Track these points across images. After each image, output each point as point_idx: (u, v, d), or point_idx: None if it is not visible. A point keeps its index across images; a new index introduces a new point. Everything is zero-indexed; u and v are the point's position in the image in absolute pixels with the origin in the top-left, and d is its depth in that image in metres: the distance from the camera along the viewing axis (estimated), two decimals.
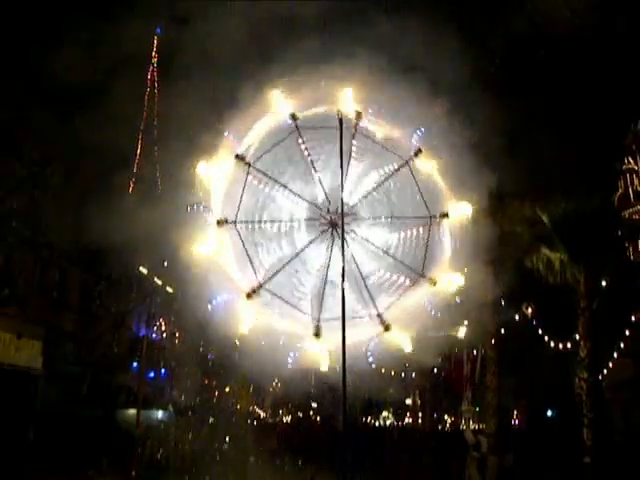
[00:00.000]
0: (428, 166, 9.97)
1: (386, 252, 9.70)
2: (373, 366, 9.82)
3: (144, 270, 22.78)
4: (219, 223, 9.26)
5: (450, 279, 9.64)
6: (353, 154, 9.75)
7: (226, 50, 13.40)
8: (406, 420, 38.66)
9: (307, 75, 9.55)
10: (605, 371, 19.70)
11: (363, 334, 9.22)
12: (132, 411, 24.02)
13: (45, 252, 21.71)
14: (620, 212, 19.98)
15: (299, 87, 9.70)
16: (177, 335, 30.12)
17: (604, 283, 18.92)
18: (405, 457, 24.53)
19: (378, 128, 10.05)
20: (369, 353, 9.48)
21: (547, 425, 24.75)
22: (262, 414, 37.19)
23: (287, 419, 39.73)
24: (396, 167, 9.82)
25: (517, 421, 27.82)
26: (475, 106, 12.74)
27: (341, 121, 9.37)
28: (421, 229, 9.79)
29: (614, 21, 16.55)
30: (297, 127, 9.59)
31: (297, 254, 9.52)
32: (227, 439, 22.62)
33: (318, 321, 9.19)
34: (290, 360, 9.38)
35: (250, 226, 9.42)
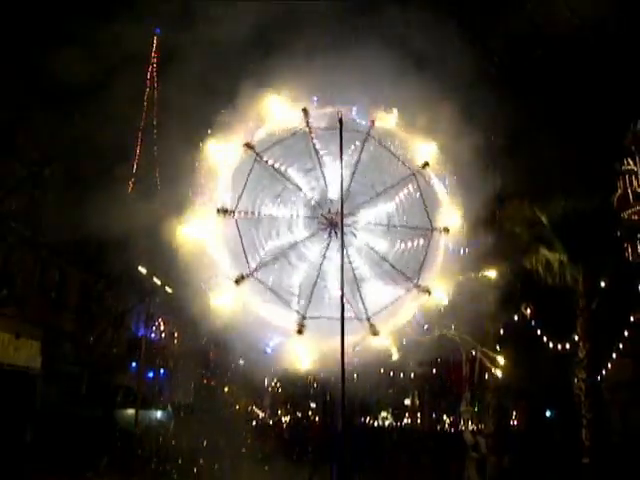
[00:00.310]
0: (434, 178, 10.05)
1: (383, 258, 9.72)
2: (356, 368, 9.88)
3: (143, 270, 22.81)
4: (219, 211, 9.27)
5: (443, 291, 9.72)
6: (362, 159, 9.80)
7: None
8: (405, 420, 38.66)
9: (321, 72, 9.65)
10: (604, 372, 19.70)
11: (350, 336, 9.21)
12: (131, 411, 24.02)
13: (44, 252, 21.71)
14: (619, 213, 19.99)
15: (314, 85, 9.79)
16: (176, 335, 30.16)
17: (603, 284, 18.91)
18: (404, 457, 24.52)
19: (391, 135, 10.12)
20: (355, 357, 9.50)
21: (546, 426, 24.75)
22: (261, 414, 37.19)
23: (286, 419, 39.71)
24: (403, 177, 9.88)
25: (516, 422, 27.81)
26: (476, 107, 12.77)
27: (341, 121, 9.40)
28: (421, 240, 9.84)
29: (614, 21, 16.55)
30: (308, 124, 9.60)
31: (292, 247, 9.53)
32: (226, 439, 22.58)
33: (303, 318, 9.19)
34: (269, 350, 9.37)
35: (249, 216, 9.42)
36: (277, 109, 9.87)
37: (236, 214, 9.28)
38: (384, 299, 9.66)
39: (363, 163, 9.88)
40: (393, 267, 9.62)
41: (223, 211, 9.26)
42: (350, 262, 9.39)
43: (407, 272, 9.67)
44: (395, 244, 9.87)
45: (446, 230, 9.86)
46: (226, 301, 9.12)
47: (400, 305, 9.69)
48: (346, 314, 9.19)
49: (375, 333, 9.25)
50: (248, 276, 9.19)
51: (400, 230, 9.81)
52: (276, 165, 9.63)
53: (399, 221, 9.87)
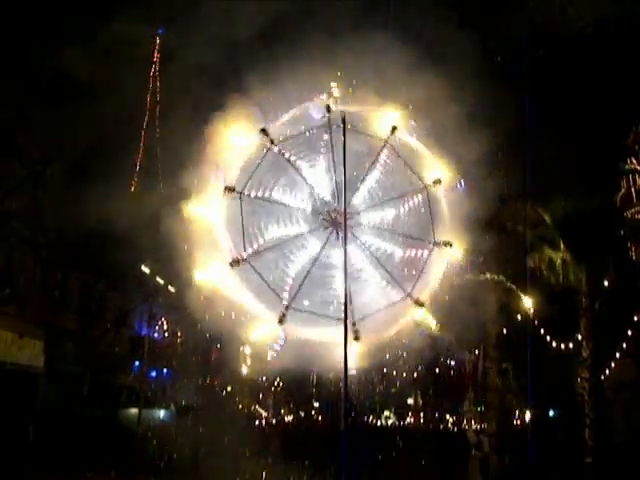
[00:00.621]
0: (443, 194, 10.07)
1: (381, 264, 9.70)
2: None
3: (146, 269, 22.80)
4: (226, 189, 9.29)
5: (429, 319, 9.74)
6: (378, 165, 9.81)
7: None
8: (408, 420, 38.62)
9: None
10: (607, 371, 19.65)
11: (329, 337, 9.21)
12: (133, 410, 24.04)
13: (46, 252, 21.71)
14: (622, 212, 19.94)
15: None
16: (179, 334, 30.16)
17: (606, 283, 18.87)
18: (407, 457, 24.50)
19: (408, 145, 10.13)
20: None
21: (549, 425, 24.71)
22: (264, 413, 37.19)
23: (289, 418, 39.71)
24: (413, 189, 9.88)
25: (518, 421, 27.79)
26: (478, 107, 12.75)
27: (344, 120, 9.40)
28: (421, 252, 9.84)
29: (616, 19, 16.50)
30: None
31: (291, 239, 9.54)
32: (229, 439, 22.59)
33: (286, 309, 9.19)
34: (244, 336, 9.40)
35: (255, 200, 9.44)
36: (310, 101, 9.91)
37: (243, 195, 9.31)
38: (375, 304, 9.64)
39: (376, 168, 9.89)
40: (389, 274, 9.61)
41: (230, 190, 9.29)
42: (347, 261, 9.37)
43: (403, 281, 9.65)
44: (395, 252, 9.87)
45: (448, 244, 9.86)
46: (217, 280, 9.16)
47: (390, 314, 9.68)
48: (333, 314, 9.22)
49: (357, 338, 9.22)
50: (244, 261, 9.19)
51: (402, 239, 9.81)
52: (288, 156, 9.66)
53: (403, 230, 9.87)
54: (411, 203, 9.95)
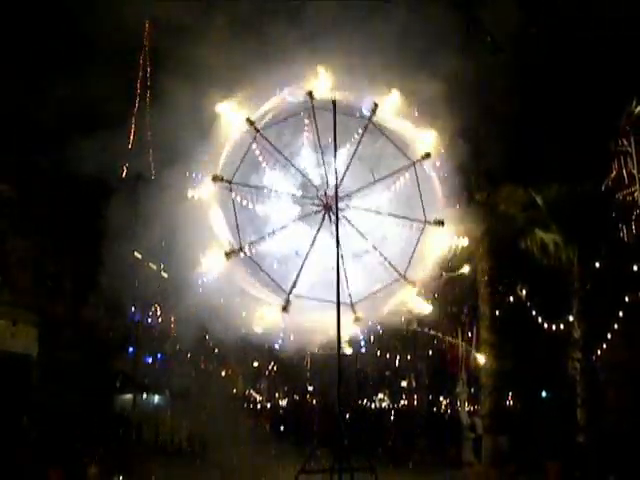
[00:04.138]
0: (433, 170, 10.06)
1: (374, 245, 9.72)
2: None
3: (139, 255, 22.77)
4: (215, 179, 9.28)
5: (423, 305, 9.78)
6: (362, 145, 9.79)
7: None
8: (402, 402, 38.83)
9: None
10: (599, 352, 19.79)
11: (329, 320, 9.27)
12: (128, 396, 24.08)
13: (39, 238, 21.63)
14: (614, 194, 20.00)
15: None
16: (172, 320, 30.15)
17: (598, 265, 18.95)
18: (401, 438, 24.70)
19: (393, 122, 10.09)
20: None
21: (541, 406, 24.89)
22: (258, 397, 37.35)
23: (283, 402, 39.89)
24: (402, 166, 9.88)
25: (511, 402, 27.98)
26: (471, 89, 12.76)
27: (334, 103, 9.37)
28: (413, 232, 9.85)
29: (608, 3, 16.48)
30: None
31: (284, 225, 9.56)
32: (223, 423, 22.69)
33: (289, 295, 9.23)
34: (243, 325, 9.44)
35: (245, 189, 9.44)
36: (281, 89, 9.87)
37: (233, 184, 9.31)
38: (370, 286, 9.68)
39: (363, 149, 9.87)
40: (383, 256, 9.64)
41: (219, 179, 9.29)
42: (340, 247, 9.39)
43: (396, 263, 9.68)
44: (387, 232, 9.88)
45: (440, 223, 9.86)
46: (216, 273, 9.18)
47: (385, 294, 9.72)
48: (332, 297, 9.27)
49: (357, 319, 9.28)
50: (239, 251, 9.21)
51: (393, 219, 9.81)
52: (275, 143, 9.64)
53: (394, 210, 9.87)
54: (401, 181, 9.95)
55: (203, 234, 9.44)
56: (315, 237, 9.55)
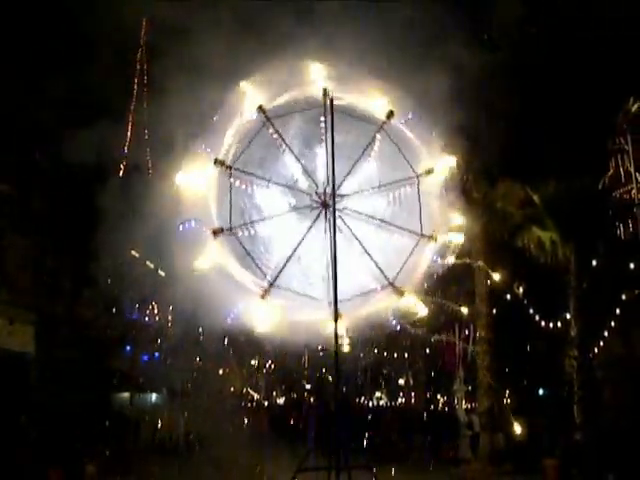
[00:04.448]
0: (435, 185, 10.07)
1: (365, 250, 9.71)
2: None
3: (136, 254, 22.76)
4: (216, 162, 9.28)
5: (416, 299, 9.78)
6: (372, 150, 9.79)
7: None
8: (399, 400, 38.89)
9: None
10: (596, 350, 19.84)
11: (310, 317, 9.26)
12: (126, 395, 24.08)
13: (36, 236, 21.60)
14: (611, 192, 20.03)
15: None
16: (170, 318, 30.13)
17: (595, 262, 18.99)
18: (398, 436, 24.72)
19: (403, 132, 10.10)
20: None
21: (538, 403, 24.95)
22: (256, 396, 37.36)
23: (280, 400, 39.93)
24: (405, 177, 9.88)
25: (508, 400, 28.05)
26: (470, 87, 12.75)
27: (332, 101, 9.36)
28: (407, 242, 9.85)
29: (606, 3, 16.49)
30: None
31: (279, 216, 9.57)
32: (221, 421, 22.70)
33: (270, 285, 9.22)
34: (231, 315, 9.40)
35: (245, 176, 9.43)
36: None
37: (233, 169, 9.30)
38: (356, 290, 9.65)
39: (370, 153, 9.86)
40: (373, 260, 9.61)
41: (220, 163, 9.28)
42: (334, 245, 9.36)
43: (386, 269, 9.66)
44: (381, 239, 9.87)
45: (434, 239, 9.88)
46: (204, 255, 9.17)
47: (371, 300, 9.70)
48: (316, 294, 9.25)
49: (337, 318, 9.23)
50: (228, 230, 9.19)
51: (388, 227, 9.81)
52: (282, 134, 9.62)
53: (391, 219, 9.86)
54: (402, 191, 9.95)
55: (195, 213, 9.42)
56: (306, 233, 9.52)
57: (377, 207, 9.94)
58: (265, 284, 9.24)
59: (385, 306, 9.72)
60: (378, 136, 9.83)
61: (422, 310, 9.77)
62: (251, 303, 9.21)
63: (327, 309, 9.13)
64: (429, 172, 9.94)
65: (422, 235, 9.76)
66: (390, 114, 9.87)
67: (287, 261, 9.33)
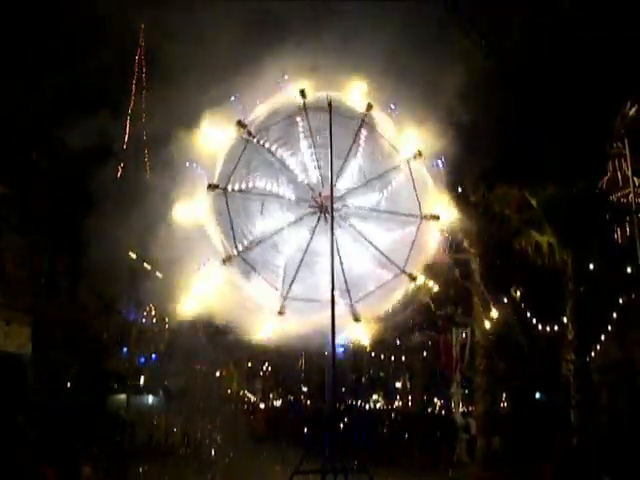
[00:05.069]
0: (425, 166, 10.10)
1: (371, 244, 9.73)
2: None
3: (133, 255, 22.70)
4: (210, 187, 9.28)
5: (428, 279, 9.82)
6: (358, 145, 9.80)
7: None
8: (396, 403, 38.87)
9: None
10: (593, 353, 19.84)
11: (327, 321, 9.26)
12: (122, 397, 24.03)
13: (32, 238, 21.58)
14: (608, 195, 20.04)
15: (313, 70, 9.77)
16: (167, 320, 30.09)
17: (592, 266, 18.99)
18: (395, 439, 24.70)
19: (386, 122, 10.11)
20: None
21: (535, 407, 24.94)
22: (253, 398, 37.31)
23: (277, 403, 39.87)
24: (395, 165, 9.91)
25: (505, 403, 28.04)
26: (466, 90, 12.74)
27: (330, 104, 9.38)
28: (410, 227, 9.88)
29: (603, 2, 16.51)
30: (305, 106, 9.57)
31: (280, 228, 9.55)
32: (217, 424, 22.68)
33: (284, 299, 9.24)
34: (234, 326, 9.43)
35: (240, 194, 9.43)
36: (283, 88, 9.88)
37: (228, 190, 9.30)
38: (370, 285, 9.69)
39: (356, 149, 9.88)
40: (381, 253, 9.65)
41: (214, 187, 9.28)
42: (338, 247, 9.39)
43: (395, 258, 9.70)
44: (384, 231, 9.89)
45: (435, 217, 9.90)
46: (214, 281, 9.17)
47: (386, 291, 9.73)
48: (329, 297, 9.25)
49: (357, 319, 9.27)
50: (235, 256, 9.21)
51: (389, 216, 9.83)
52: (268, 146, 9.63)
53: (389, 208, 9.89)
54: (395, 178, 9.98)
55: (197, 244, 9.44)
56: (310, 239, 9.54)
57: (373, 201, 9.97)
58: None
59: (402, 294, 9.79)
60: (363, 131, 9.85)
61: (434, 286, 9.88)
62: (269, 319, 9.24)
63: (342, 309, 9.20)
64: (418, 155, 9.99)
65: (423, 216, 9.83)
66: (369, 106, 9.90)
67: (296, 271, 9.36)
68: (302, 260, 9.45)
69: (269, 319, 9.27)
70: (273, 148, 9.64)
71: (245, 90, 9.72)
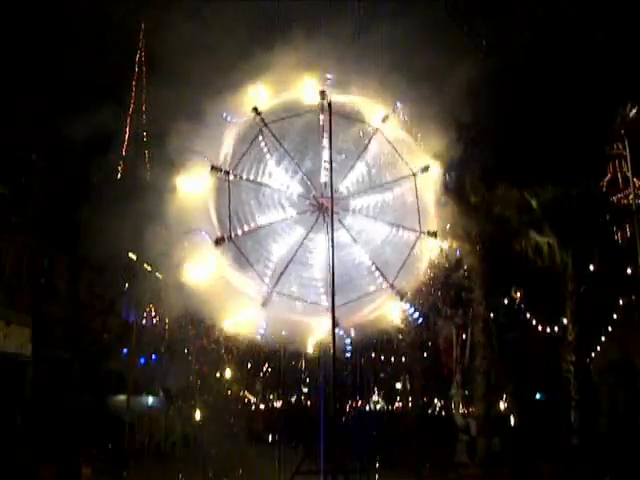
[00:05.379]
0: (430, 182, 10.12)
1: (365, 251, 9.70)
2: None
3: (133, 256, 22.70)
4: (213, 169, 9.28)
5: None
6: (368, 152, 9.83)
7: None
8: (396, 404, 38.85)
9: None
10: (593, 354, 19.84)
11: (308, 320, 9.26)
12: (122, 397, 24.01)
13: (32, 238, 21.57)
14: (609, 197, 20.04)
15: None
16: (167, 320, 30.08)
17: (592, 267, 18.99)
18: (395, 440, 24.67)
19: (399, 133, 10.14)
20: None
21: (536, 407, 24.93)
22: (253, 399, 37.29)
23: (277, 404, 39.82)
24: (402, 176, 9.91)
25: (506, 404, 28.02)
26: (467, 91, 12.75)
27: (330, 105, 9.38)
28: (407, 241, 9.86)
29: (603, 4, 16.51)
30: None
31: (277, 221, 9.56)
32: (217, 424, 22.65)
33: (270, 292, 9.23)
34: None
35: (242, 182, 9.43)
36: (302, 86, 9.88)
37: (230, 176, 9.29)
38: (357, 291, 9.66)
39: (366, 155, 9.89)
40: (373, 262, 9.62)
41: (217, 170, 9.27)
42: (332, 246, 9.37)
43: (387, 270, 9.67)
44: (380, 239, 9.88)
45: (433, 235, 9.90)
46: (204, 263, 9.16)
47: (369, 301, 9.71)
48: (315, 299, 9.24)
49: (336, 324, 9.22)
50: (229, 239, 9.18)
51: (387, 226, 9.82)
52: (279, 138, 9.64)
53: (389, 217, 9.88)
54: (399, 190, 9.99)
55: (193, 224, 9.43)
56: (305, 237, 9.53)
57: (375, 207, 9.96)
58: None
59: (382, 312, 9.73)
60: (375, 138, 9.86)
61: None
62: (252, 310, 9.22)
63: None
64: (425, 170, 9.99)
65: (421, 232, 9.80)
66: (385, 117, 9.93)
67: (286, 267, 9.34)
68: (294, 257, 9.45)
69: (251, 309, 9.24)
70: (284, 142, 9.66)
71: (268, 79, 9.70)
